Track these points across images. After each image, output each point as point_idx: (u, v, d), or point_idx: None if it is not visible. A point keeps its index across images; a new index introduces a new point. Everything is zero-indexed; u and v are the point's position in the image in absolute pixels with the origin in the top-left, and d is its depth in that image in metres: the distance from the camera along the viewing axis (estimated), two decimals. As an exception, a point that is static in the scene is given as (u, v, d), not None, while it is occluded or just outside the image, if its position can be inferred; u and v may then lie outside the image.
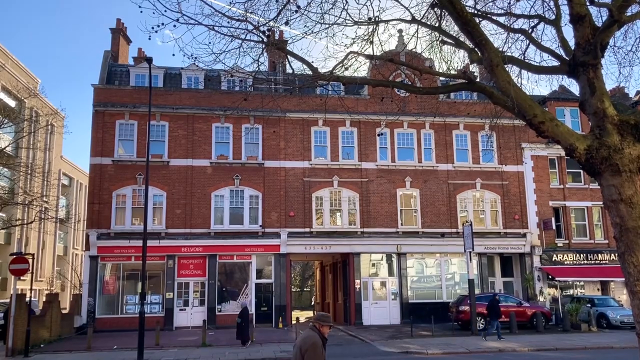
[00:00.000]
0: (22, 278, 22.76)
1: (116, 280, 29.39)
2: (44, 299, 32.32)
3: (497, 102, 8.70)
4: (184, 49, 20.46)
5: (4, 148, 32.45)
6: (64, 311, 29.54)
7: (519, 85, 8.96)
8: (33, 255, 25.35)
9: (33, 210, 35.42)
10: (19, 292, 23.56)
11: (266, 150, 31.22)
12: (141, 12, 8.97)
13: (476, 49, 8.66)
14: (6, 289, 39.81)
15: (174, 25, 8.83)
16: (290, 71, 10.11)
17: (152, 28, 8.97)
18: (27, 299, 22.33)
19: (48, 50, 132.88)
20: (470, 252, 27.25)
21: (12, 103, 40.37)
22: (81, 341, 23.28)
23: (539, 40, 9.98)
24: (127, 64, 34.51)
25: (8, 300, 28.88)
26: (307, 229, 30.60)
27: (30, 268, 21.96)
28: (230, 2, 9.04)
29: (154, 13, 8.70)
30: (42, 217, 34.15)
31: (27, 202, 32.88)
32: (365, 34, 9.63)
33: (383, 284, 31.79)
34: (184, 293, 29.49)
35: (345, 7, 9.27)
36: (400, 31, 20.58)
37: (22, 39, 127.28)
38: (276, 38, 10.20)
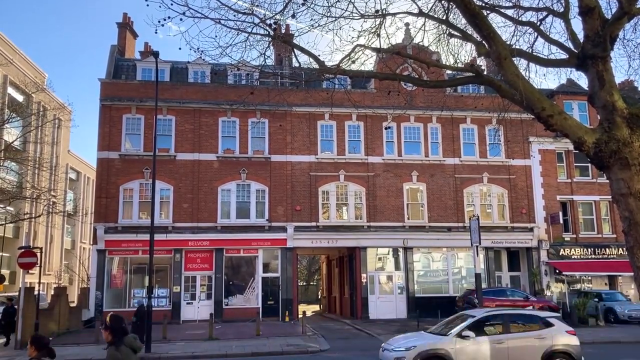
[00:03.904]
0: (30, 272, 22.90)
1: (123, 274, 29.53)
2: (52, 292, 32.54)
3: (504, 95, 8.65)
4: (191, 42, 20.44)
5: (12, 142, 32.64)
6: (72, 304, 29.72)
7: (527, 78, 8.90)
8: (41, 249, 25.55)
9: (41, 204, 35.60)
10: (28, 286, 23.74)
11: (272, 144, 31.22)
12: (147, 5, 8.98)
13: (484, 42, 8.61)
14: (15, 283, 40.12)
15: (181, 19, 8.84)
16: (297, 65, 10.09)
17: (159, 22, 8.98)
18: (36, 292, 22.51)
19: (55, 44, 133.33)
20: (477, 247, 27.06)
21: (19, 97, 40.59)
22: (89, 334, 23.44)
23: (548, 33, 9.92)
24: (133, 58, 34.55)
25: (14, 294, 29.12)
26: (314, 223, 30.61)
27: (39, 262, 22.10)
28: (237, -5, 9.02)
29: (160, 7, 8.71)
30: (50, 211, 34.32)
31: (35, 196, 33.04)
32: (372, 27, 9.59)
33: (389, 278, 31.78)
34: (191, 287, 29.59)
35: (352, 0, 9.23)
36: (407, 24, 20.49)
37: (30, 34, 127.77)
38: (282, 31, 10.18)
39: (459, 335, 12.84)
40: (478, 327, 13.26)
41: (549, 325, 13.30)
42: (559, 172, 33.79)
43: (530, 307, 27.63)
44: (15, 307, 22.29)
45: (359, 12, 9.40)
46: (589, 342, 20.96)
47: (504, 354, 12.74)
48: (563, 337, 13.06)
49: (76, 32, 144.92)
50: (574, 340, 13.08)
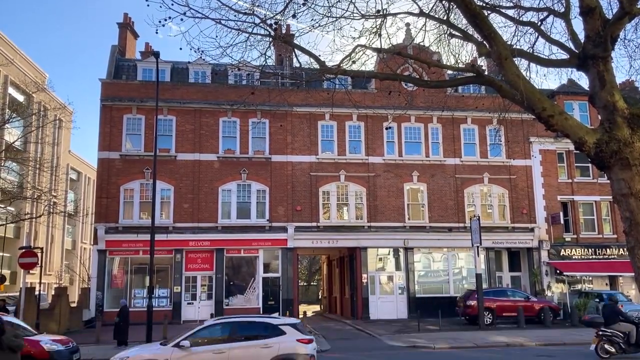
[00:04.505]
0: (31, 272, 22.91)
1: (124, 274, 29.53)
2: (53, 292, 32.55)
3: (505, 95, 8.66)
4: (191, 42, 20.51)
5: (13, 142, 32.64)
6: (72, 305, 29.75)
7: (527, 78, 8.90)
8: (42, 249, 25.56)
9: (41, 205, 35.60)
10: (28, 286, 23.75)
11: (273, 144, 31.21)
12: (148, 5, 8.98)
13: (485, 42, 8.62)
14: (16, 283, 40.14)
15: (181, 19, 8.85)
16: (298, 65, 10.10)
17: (159, 22, 8.99)
18: (36, 292, 22.52)
19: (55, 45, 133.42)
20: (477, 247, 27.17)
21: (20, 97, 40.59)
22: (90, 334, 23.42)
23: (548, 33, 9.92)
24: (134, 59, 34.57)
25: (15, 294, 29.14)
26: (314, 223, 30.60)
27: (39, 262, 22.09)
28: (237, -4, 9.03)
29: (160, 7, 8.71)
30: (51, 211, 34.31)
31: (35, 196, 33.05)
32: (373, 27, 9.59)
33: (390, 278, 31.76)
34: (191, 287, 29.59)
35: (353, 0, 9.23)
36: (408, 24, 20.52)
37: (30, 34, 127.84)
38: (283, 32, 10.19)
39: (177, 345, 12.41)
40: (202, 336, 12.91)
41: (280, 333, 12.85)
42: (559, 173, 33.77)
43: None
44: (8, 308, 22.24)
45: (359, 12, 9.41)
46: (589, 343, 20.94)
47: None
48: (291, 346, 12.62)
49: (77, 32, 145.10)
50: (303, 349, 12.64)
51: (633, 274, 7.29)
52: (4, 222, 32.11)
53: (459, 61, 11.10)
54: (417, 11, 9.57)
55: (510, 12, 10.06)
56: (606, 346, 16.11)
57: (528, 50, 9.94)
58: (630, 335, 16.21)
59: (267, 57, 9.55)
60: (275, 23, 9.22)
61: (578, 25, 8.29)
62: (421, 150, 32.46)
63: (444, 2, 9.49)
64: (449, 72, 25.51)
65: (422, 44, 11.37)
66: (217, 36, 9.61)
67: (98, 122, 30.39)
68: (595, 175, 33.53)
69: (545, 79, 68.57)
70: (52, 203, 34.46)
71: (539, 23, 9.92)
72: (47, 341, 14.31)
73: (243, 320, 13.80)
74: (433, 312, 27.07)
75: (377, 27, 9.52)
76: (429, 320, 26.82)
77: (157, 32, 9.45)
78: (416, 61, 11.36)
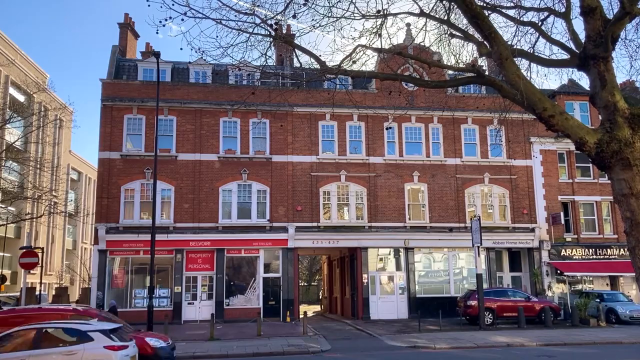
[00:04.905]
0: (32, 272, 22.95)
1: (125, 274, 29.53)
2: (54, 292, 32.56)
3: (506, 95, 8.66)
4: (192, 42, 20.55)
5: (14, 142, 32.68)
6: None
7: (528, 78, 8.90)
8: (42, 249, 25.62)
9: (42, 205, 35.66)
10: (29, 286, 23.75)
11: (274, 144, 31.21)
12: (149, 5, 8.99)
13: (485, 42, 8.62)
14: (16, 283, 40.17)
15: (182, 19, 8.86)
16: (298, 65, 10.11)
17: (160, 22, 9.00)
18: (37, 292, 22.52)
19: (56, 45, 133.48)
20: (478, 247, 27.15)
21: (21, 98, 40.65)
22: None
23: (549, 33, 9.92)
24: (135, 59, 34.57)
25: (16, 294, 29.16)
26: (315, 224, 30.59)
27: (40, 262, 22.13)
28: (238, -4, 9.04)
29: (161, 7, 8.72)
30: (51, 211, 34.36)
31: (36, 196, 33.10)
32: (374, 27, 9.60)
33: (390, 278, 31.76)
34: (192, 287, 29.59)
35: (353, 1, 9.24)
36: (408, 24, 20.52)
37: (31, 34, 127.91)
38: (283, 32, 10.19)
39: None
40: (4, 343, 12.38)
41: (88, 340, 12.41)
42: (560, 173, 33.76)
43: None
44: (3, 308, 22.25)
45: (360, 12, 9.42)
46: (590, 343, 20.97)
47: None
48: (98, 352, 12.22)
49: (78, 33, 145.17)
50: (110, 356, 12.27)
51: (634, 274, 7.29)
52: (5, 222, 32.15)
53: (459, 61, 11.11)
54: (417, 11, 9.58)
55: (510, 12, 10.08)
56: None
57: (529, 51, 9.94)
58: None
59: (267, 57, 9.57)
60: (276, 23, 9.23)
61: (579, 25, 8.31)
62: (422, 150, 32.45)
63: (444, 2, 9.50)
64: (450, 72, 25.50)
65: (422, 44, 11.39)
66: (217, 36, 9.64)
67: (99, 122, 30.43)
68: (595, 176, 33.53)
69: (546, 79, 68.28)
70: (52, 203, 34.50)
71: (540, 23, 9.92)
72: (152, 338, 15.34)
73: (50, 326, 13.27)
74: (433, 312, 27.07)
75: (378, 27, 9.54)
76: (430, 321, 26.82)
77: (157, 33, 9.47)
78: (417, 61, 11.37)
